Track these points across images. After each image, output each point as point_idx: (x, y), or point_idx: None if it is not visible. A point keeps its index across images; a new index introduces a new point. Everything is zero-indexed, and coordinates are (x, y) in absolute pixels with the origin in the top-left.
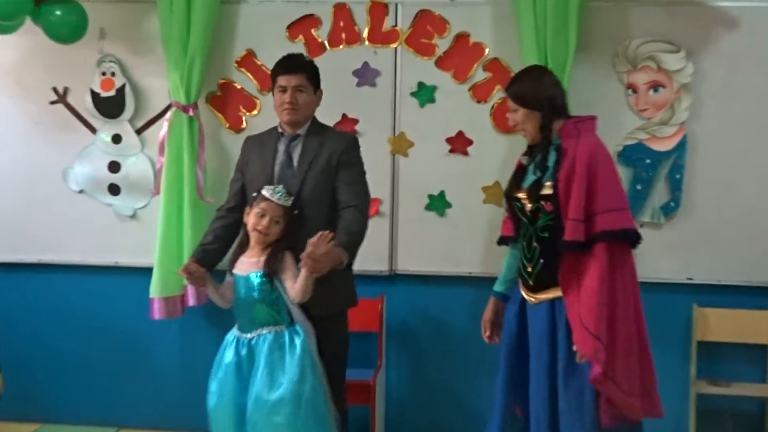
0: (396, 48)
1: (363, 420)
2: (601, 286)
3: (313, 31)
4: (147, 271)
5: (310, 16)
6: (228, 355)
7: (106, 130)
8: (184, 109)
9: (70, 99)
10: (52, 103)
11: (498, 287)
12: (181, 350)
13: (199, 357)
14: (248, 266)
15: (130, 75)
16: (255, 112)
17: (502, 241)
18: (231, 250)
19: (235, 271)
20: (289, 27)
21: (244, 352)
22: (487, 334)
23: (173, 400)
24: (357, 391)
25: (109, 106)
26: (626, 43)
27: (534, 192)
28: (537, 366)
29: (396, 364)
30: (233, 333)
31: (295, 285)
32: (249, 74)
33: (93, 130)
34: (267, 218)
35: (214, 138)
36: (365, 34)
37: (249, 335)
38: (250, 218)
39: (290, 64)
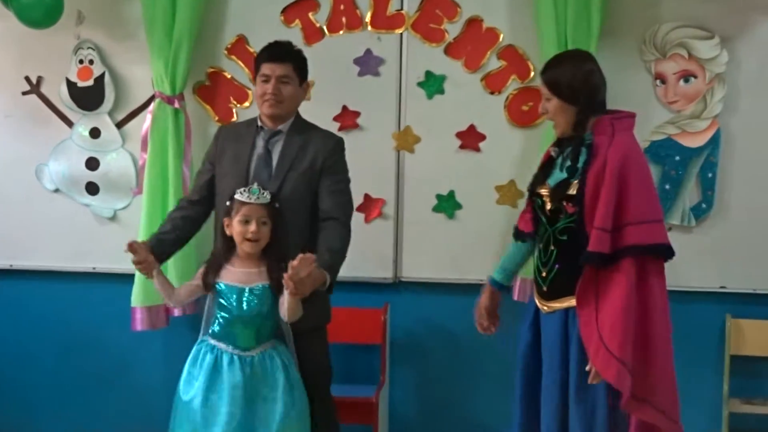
0: (401, 34)
1: None
2: (628, 306)
3: (310, 15)
4: (128, 278)
5: None
6: (234, 373)
7: (83, 123)
8: (169, 101)
9: (44, 89)
10: (25, 93)
11: (496, 275)
12: (165, 364)
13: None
14: (248, 277)
15: (109, 63)
16: (246, 103)
17: (519, 236)
18: (207, 260)
19: (224, 281)
20: (285, 11)
21: (248, 370)
22: (485, 324)
23: (157, 417)
24: (358, 410)
25: (87, 97)
26: (654, 29)
27: (559, 192)
28: (548, 380)
29: (401, 380)
30: (226, 351)
31: (282, 306)
32: (240, 62)
33: (69, 123)
34: (253, 223)
35: (201, 132)
36: (368, 19)
37: (253, 352)
38: (235, 229)
39: (275, 51)
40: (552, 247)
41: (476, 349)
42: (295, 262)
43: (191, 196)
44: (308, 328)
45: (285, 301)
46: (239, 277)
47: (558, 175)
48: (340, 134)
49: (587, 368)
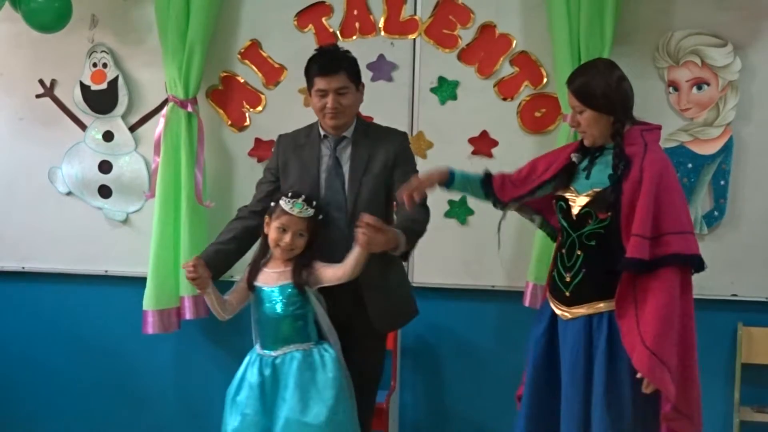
0: (415, 39)
1: None
2: (673, 314)
3: (324, 19)
4: (140, 281)
5: (321, 3)
6: (251, 374)
7: (96, 126)
8: (182, 105)
9: (57, 92)
10: (38, 96)
11: (457, 173)
12: (176, 367)
13: (195, 375)
14: (275, 278)
15: (123, 66)
16: (259, 108)
17: (498, 202)
18: (250, 262)
19: (259, 283)
20: (298, 15)
21: (268, 372)
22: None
23: (168, 422)
24: None
25: (101, 101)
26: (668, 36)
27: (604, 200)
28: (570, 389)
29: (411, 386)
30: (255, 351)
31: (345, 262)
32: (253, 67)
33: (82, 126)
34: (289, 234)
35: (214, 136)
36: (381, 24)
37: (274, 353)
38: (271, 232)
39: (327, 63)
40: (579, 252)
41: (487, 354)
42: (368, 217)
43: (253, 206)
44: (400, 325)
45: (350, 256)
46: (270, 277)
47: (586, 181)
48: None
49: (638, 376)
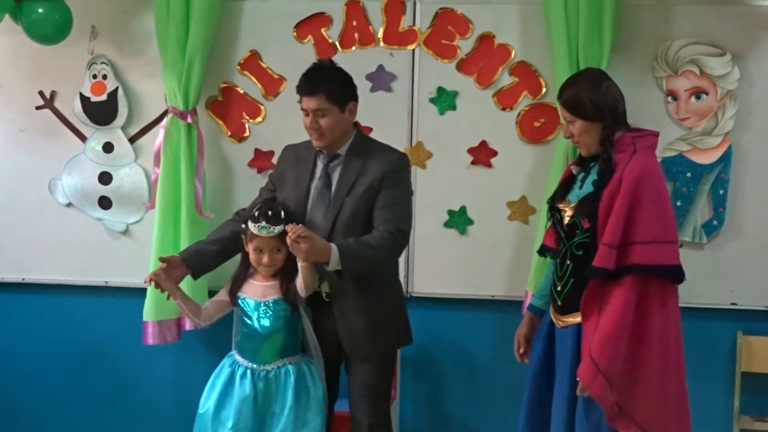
0: (414, 49)
1: None
2: (622, 322)
3: (323, 30)
4: (140, 292)
5: (321, 14)
6: (242, 388)
7: (96, 137)
8: (182, 116)
9: (57, 104)
10: (38, 108)
11: (536, 301)
12: (176, 378)
13: (195, 386)
14: (263, 291)
15: (123, 78)
16: (259, 119)
17: (543, 251)
18: (233, 274)
19: (245, 295)
20: (298, 26)
21: (261, 385)
22: (522, 351)
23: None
24: None
25: (101, 112)
26: (666, 46)
27: (586, 208)
28: (558, 394)
29: (411, 395)
30: (240, 365)
31: (298, 280)
32: (253, 78)
33: (82, 137)
34: (266, 253)
35: (214, 147)
36: (380, 35)
37: (268, 367)
38: (250, 254)
39: (306, 83)
40: (568, 262)
41: (487, 364)
42: (290, 226)
43: (249, 209)
44: (383, 351)
45: (299, 272)
46: (258, 290)
47: (579, 191)
48: None
49: (577, 379)
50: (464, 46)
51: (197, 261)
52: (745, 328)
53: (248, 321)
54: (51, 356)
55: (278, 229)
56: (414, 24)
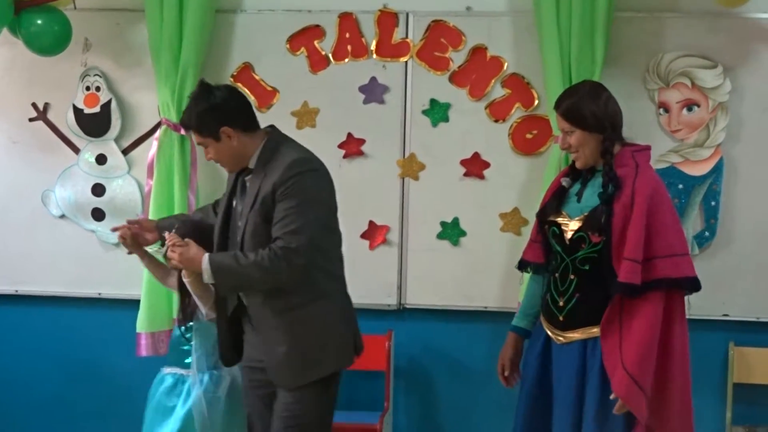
0: (406, 62)
1: None
2: (654, 337)
3: (316, 43)
4: (133, 304)
5: (314, 26)
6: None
7: (89, 149)
8: (175, 128)
9: (50, 116)
10: (32, 120)
11: (520, 322)
12: None
13: None
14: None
15: (116, 90)
16: None
17: (526, 266)
18: None
19: None
20: (291, 38)
21: (178, 388)
22: (506, 373)
23: None
24: None
25: (94, 124)
26: (658, 58)
27: (596, 220)
28: (561, 413)
29: (405, 407)
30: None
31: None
32: (246, 90)
33: (76, 149)
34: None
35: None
36: (373, 47)
37: (184, 372)
38: None
39: (180, 122)
40: (572, 277)
41: (480, 376)
42: (166, 234)
43: (219, 205)
44: (298, 384)
45: None
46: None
47: (579, 205)
48: (345, 162)
49: (611, 397)
50: (457, 58)
51: (166, 223)
52: (737, 339)
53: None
54: (44, 368)
55: (162, 249)
56: (407, 36)
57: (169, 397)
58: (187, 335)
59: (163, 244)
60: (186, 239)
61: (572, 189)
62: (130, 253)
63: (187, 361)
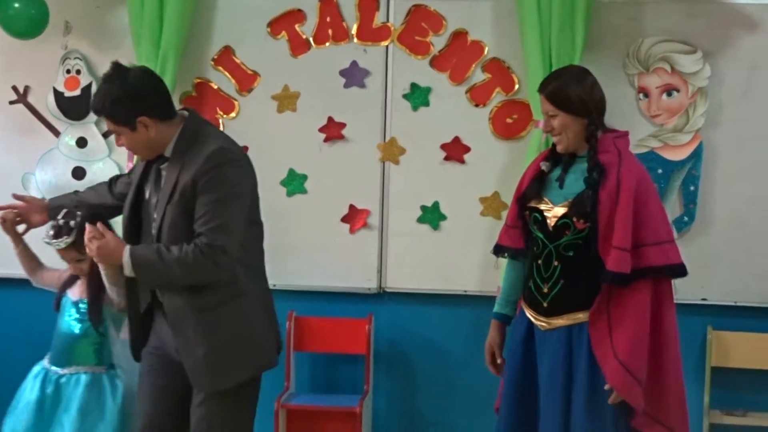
0: (387, 46)
1: None
2: (645, 326)
3: (297, 26)
4: None
5: (295, 10)
6: (31, 389)
7: (70, 132)
8: None
9: (31, 99)
10: (12, 103)
11: (502, 309)
12: None
13: None
14: (79, 290)
15: (96, 73)
16: (233, 114)
17: (502, 251)
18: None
19: (68, 293)
20: (271, 22)
21: (50, 389)
22: (499, 361)
23: None
24: (342, 419)
25: (74, 107)
26: (638, 43)
27: (583, 205)
28: (547, 401)
29: (384, 390)
30: (41, 364)
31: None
32: (227, 73)
33: (56, 132)
34: (71, 266)
35: None
36: (354, 31)
37: (60, 371)
38: None
39: (90, 106)
40: (555, 263)
41: (460, 359)
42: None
43: (117, 186)
44: (224, 388)
45: None
46: (77, 289)
47: (561, 191)
48: (325, 146)
49: (606, 387)
50: (438, 42)
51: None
52: (715, 323)
53: (59, 318)
54: (24, 354)
55: (65, 239)
56: (387, 20)
57: (96, 397)
58: (101, 329)
59: (54, 227)
60: (103, 229)
61: (552, 174)
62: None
63: (84, 357)
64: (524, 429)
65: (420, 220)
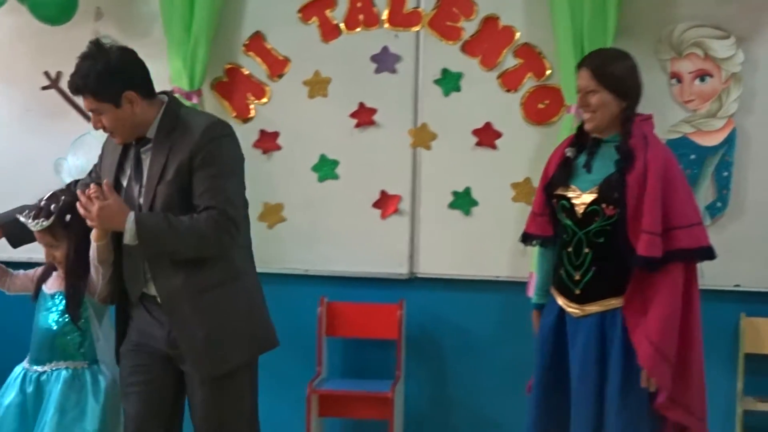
0: (418, 31)
1: None
2: (677, 309)
3: (327, 12)
4: None
5: None
6: (10, 393)
7: None
8: (187, 96)
9: (63, 84)
10: (44, 88)
11: (540, 299)
12: None
13: None
14: (55, 283)
15: None
16: (264, 99)
17: (530, 239)
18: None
19: (44, 287)
20: (302, 8)
21: (30, 389)
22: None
23: None
24: (374, 404)
25: None
26: (671, 28)
27: (610, 194)
28: (581, 387)
29: (416, 376)
30: (22, 365)
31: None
32: (258, 59)
33: (88, 117)
34: (45, 250)
35: None
36: (385, 16)
37: (40, 369)
38: None
39: (69, 82)
40: (586, 250)
41: (491, 345)
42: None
43: (80, 188)
44: (225, 371)
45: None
46: (55, 282)
47: (590, 176)
48: (357, 131)
49: (643, 372)
50: (469, 27)
51: (17, 227)
52: (749, 310)
53: (37, 314)
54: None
55: (42, 222)
56: (418, 6)
57: (76, 394)
58: (81, 321)
59: (35, 207)
60: (108, 190)
61: (578, 160)
62: None
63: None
64: (556, 414)
65: (451, 205)
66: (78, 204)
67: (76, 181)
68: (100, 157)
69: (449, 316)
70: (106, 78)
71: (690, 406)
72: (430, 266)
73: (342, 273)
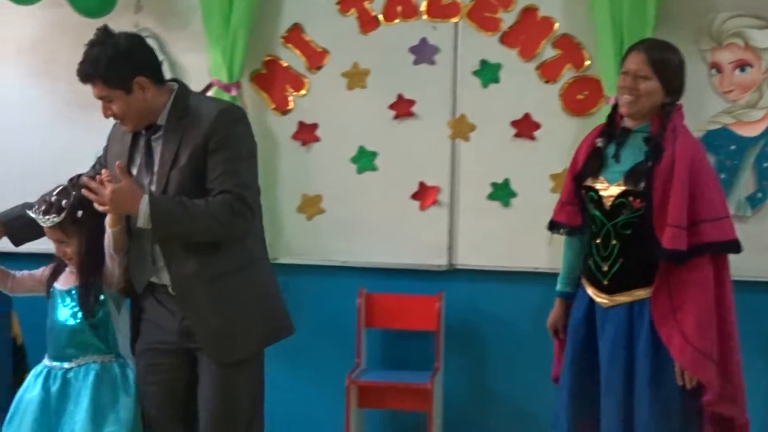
0: (457, 23)
1: (419, 427)
2: (711, 303)
3: (366, 4)
4: None
5: None
6: (32, 390)
7: None
8: (226, 88)
9: None
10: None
11: (564, 287)
12: None
13: None
14: (68, 279)
15: (167, 51)
16: (303, 92)
17: (557, 228)
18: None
19: (56, 285)
20: (341, 0)
21: (55, 386)
22: (561, 336)
23: None
24: (413, 396)
25: None
26: (710, 18)
27: (636, 178)
28: (610, 377)
29: (455, 367)
30: (43, 363)
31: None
32: (297, 51)
33: None
34: (55, 245)
35: (258, 119)
36: (423, 8)
37: (66, 365)
38: None
39: (78, 70)
40: (614, 242)
41: (529, 336)
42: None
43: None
44: (240, 358)
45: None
46: (69, 278)
47: (618, 167)
48: (395, 123)
49: (676, 370)
50: (507, 18)
51: (19, 225)
52: None
53: (53, 312)
54: None
55: (49, 221)
56: None
57: (108, 388)
58: (100, 314)
59: (45, 202)
60: (121, 172)
61: (607, 151)
62: None
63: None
64: (588, 404)
65: (490, 197)
66: (84, 191)
67: (79, 175)
68: (105, 149)
69: (488, 308)
70: (117, 63)
71: (735, 399)
72: (468, 258)
73: (381, 264)
